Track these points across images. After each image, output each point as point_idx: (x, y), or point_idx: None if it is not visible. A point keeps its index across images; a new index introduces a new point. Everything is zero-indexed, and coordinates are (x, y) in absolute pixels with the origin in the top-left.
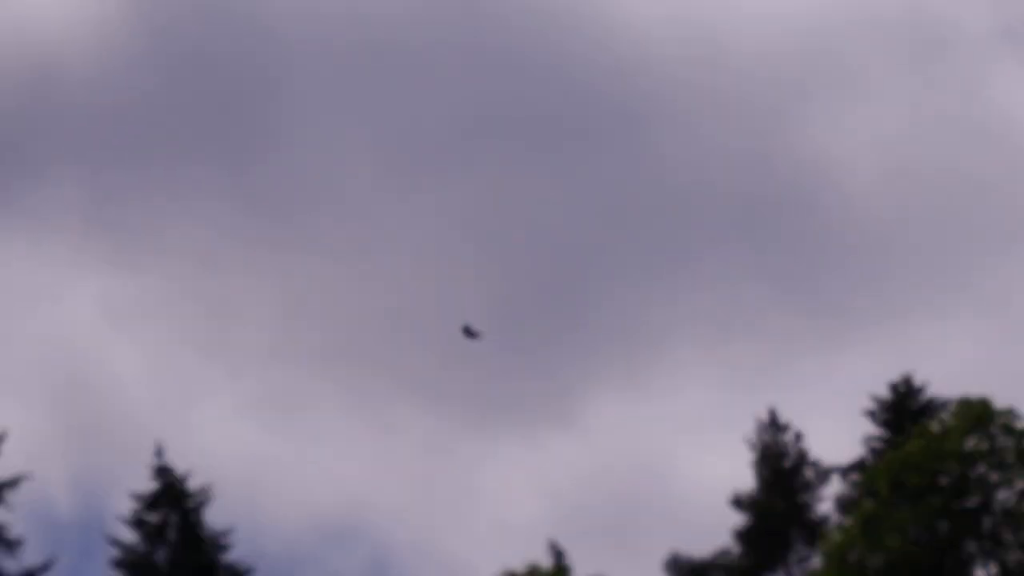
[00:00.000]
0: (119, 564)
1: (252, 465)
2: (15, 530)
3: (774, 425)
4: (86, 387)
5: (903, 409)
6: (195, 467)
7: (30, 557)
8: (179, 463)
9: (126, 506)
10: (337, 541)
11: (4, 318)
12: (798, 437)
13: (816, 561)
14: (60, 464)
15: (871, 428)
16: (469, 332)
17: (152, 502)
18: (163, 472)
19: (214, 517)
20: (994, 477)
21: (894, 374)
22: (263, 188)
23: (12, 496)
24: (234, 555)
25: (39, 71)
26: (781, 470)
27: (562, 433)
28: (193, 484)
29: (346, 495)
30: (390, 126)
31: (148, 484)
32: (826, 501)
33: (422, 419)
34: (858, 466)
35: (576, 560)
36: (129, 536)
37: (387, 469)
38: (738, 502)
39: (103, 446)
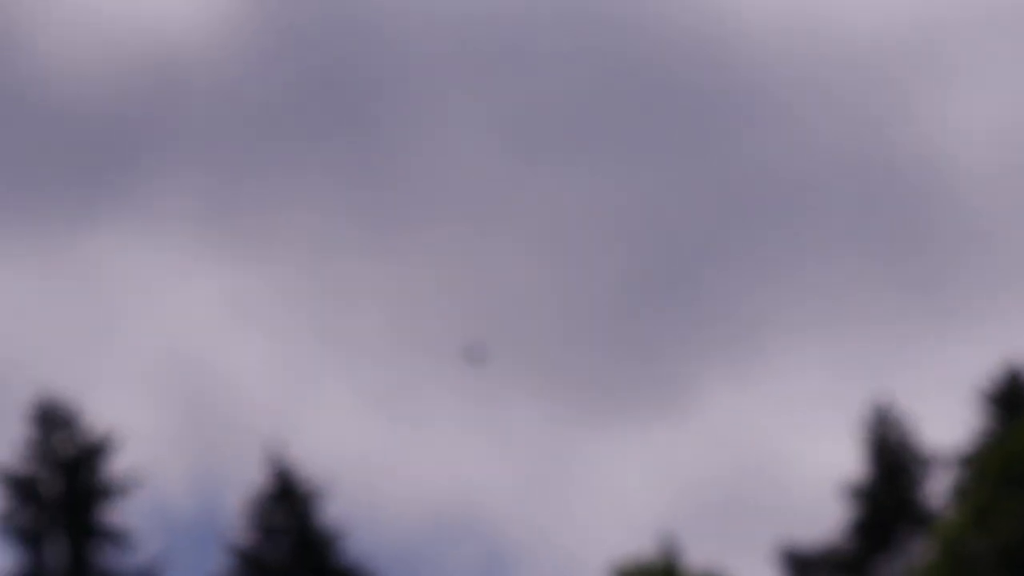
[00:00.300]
0: (234, 563)
1: (369, 458)
2: (132, 529)
3: (884, 412)
4: (205, 381)
5: (1016, 395)
6: (312, 462)
7: (147, 557)
8: (296, 458)
9: (242, 504)
10: (453, 534)
11: (123, 313)
12: (909, 424)
13: (926, 551)
14: (178, 460)
15: (983, 414)
16: (471, 355)
17: (267, 500)
18: (278, 469)
19: (330, 513)
20: None
21: (1006, 360)
22: (382, 175)
23: (129, 495)
24: (350, 551)
25: (160, 66)
26: (891, 458)
27: (675, 423)
28: (309, 481)
29: (461, 488)
30: (507, 114)
31: (264, 481)
32: (937, 489)
33: (536, 411)
34: (970, 453)
35: (688, 551)
36: (244, 535)
37: (502, 462)
38: (848, 491)
39: (222, 442)
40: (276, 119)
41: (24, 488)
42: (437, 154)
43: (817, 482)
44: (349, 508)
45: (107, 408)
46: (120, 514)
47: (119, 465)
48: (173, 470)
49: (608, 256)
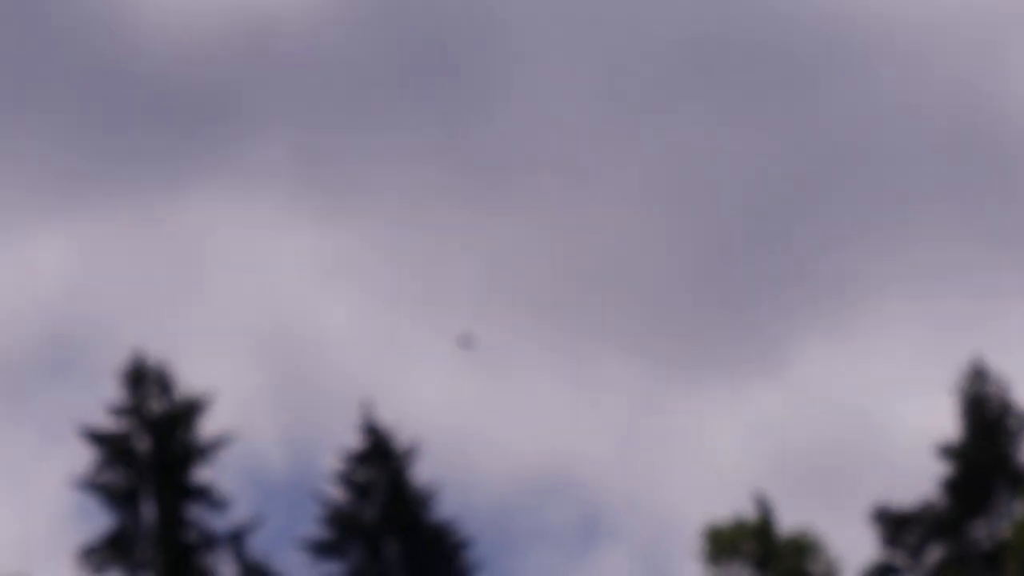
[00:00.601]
0: (326, 522)
1: (460, 420)
2: (224, 489)
3: (980, 374)
4: (297, 344)
5: None
6: (405, 422)
7: (240, 516)
8: (388, 418)
9: (334, 464)
10: (546, 496)
11: (216, 276)
12: (1005, 387)
13: (1021, 511)
14: (271, 421)
15: None
16: (464, 341)
17: (359, 459)
18: (371, 429)
19: (422, 473)
20: None
21: None
22: (470, 142)
23: (221, 455)
24: (442, 512)
25: (251, 30)
26: (987, 419)
27: (768, 382)
28: (401, 441)
29: (554, 448)
30: (604, 68)
31: (356, 441)
32: None
33: (629, 370)
34: None
35: (782, 511)
36: (337, 494)
37: (595, 421)
38: (943, 451)
39: (314, 403)
40: (369, 76)
41: (117, 448)
42: (533, 108)
43: (912, 440)
44: (442, 468)
45: (200, 368)
46: (213, 474)
47: (212, 425)
48: (267, 429)
49: (701, 214)
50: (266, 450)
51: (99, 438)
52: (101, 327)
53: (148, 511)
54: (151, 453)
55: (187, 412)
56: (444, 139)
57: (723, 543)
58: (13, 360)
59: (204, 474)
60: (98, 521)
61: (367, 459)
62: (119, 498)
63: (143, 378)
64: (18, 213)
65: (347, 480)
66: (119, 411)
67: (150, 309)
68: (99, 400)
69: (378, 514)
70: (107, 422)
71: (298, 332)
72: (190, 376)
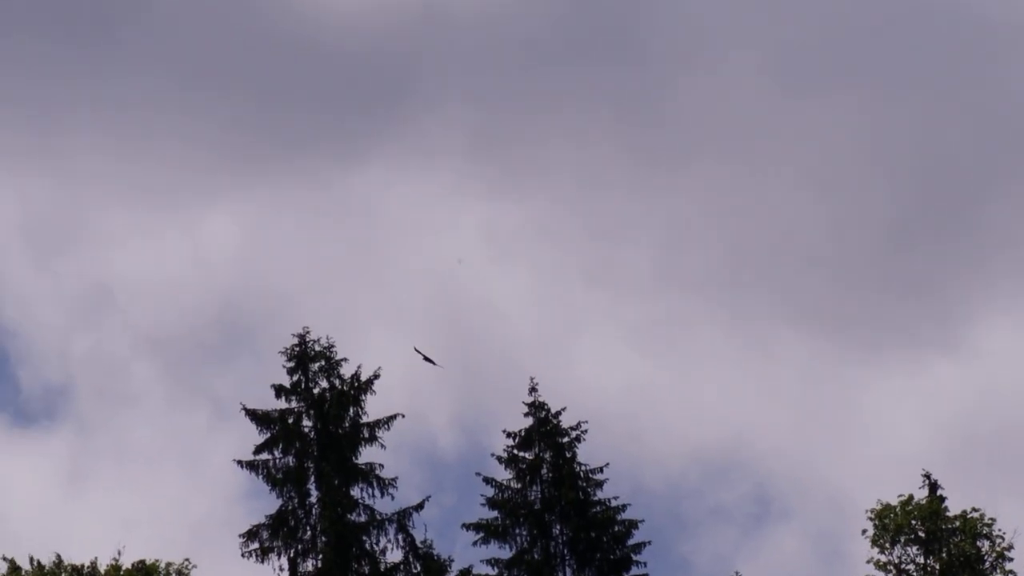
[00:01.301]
0: (493, 502)
1: (633, 399)
2: (392, 469)
3: None
4: (470, 319)
5: None
6: (572, 403)
7: (410, 495)
8: (556, 397)
9: (502, 443)
10: (718, 473)
11: (392, 250)
12: None
13: None
14: (442, 400)
15: None
16: (426, 357)
17: (525, 439)
18: (537, 408)
19: (591, 452)
20: None
21: None
22: (650, 112)
23: (388, 434)
24: (609, 490)
25: (431, 5)
26: None
27: (948, 359)
28: (567, 420)
29: (728, 425)
30: (774, 41)
31: (526, 418)
32: None
33: (804, 345)
34: None
35: (953, 492)
36: (503, 473)
37: (769, 397)
38: None
39: (485, 380)
40: (543, 55)
41: (283, 428)
42: (706, 91)
43: None
44: (613, 447)
45: (372, 344)
46: (379, 453)
47: (379, 404)
48: (437, 408)
49: (879, 191)
50: (436, 429)
51: (264, 418)
52: (275, 305)
53: (314, 491)
54: (317, 433)
55: (353, 391)
56: (619, 120)
57: (893, 523)
58: (189, 339)
59: (370, 453)
60: (265, 501)
61: (532, 439)
62: (284, 478)
63: (309, 358)
64: (196, 193)
65: (512, 460)
66: (285, 391)
67: (323, 286)
68: (269, 379)
69: (543, 494)
70: (275, 402)
71: (471, 306)
72: (361, 353)
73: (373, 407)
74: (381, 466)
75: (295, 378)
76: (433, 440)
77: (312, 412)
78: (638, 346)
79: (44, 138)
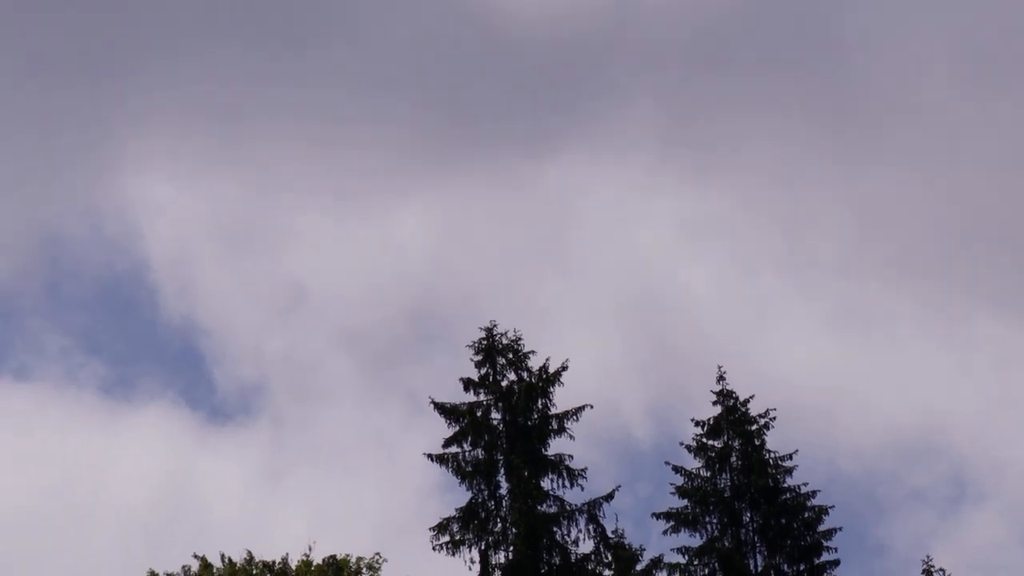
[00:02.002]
0: (683, 491)
1: (826, 381)
2: (581, 459)
3: None
4: (661, 309)
5: None
6: (761, 390)
7: (600, 485)
8: (745, 385)
9: (691, 432)
10: (914, 458)
11: (582, 243)
12: None
13: None
14: (633, 389)
15: None
16: None
17: (714, 428)
18: (725, 397)
19: (782, 439)
20: None
21: None
22: (837, 100)
23: (577, 425)
24: (800, 477)
25: None
26: None
27: None
28: (756, 407)
29: (923, 411)
30: (965, 32)
31: (716, 406)
32: None
33: (999, 327)
34: None
35: None
36: (693, 462)
37: (964, 380)
38: None
39: (675, 369)
40: (733, 47)
41: (471, 421)
42: (898, 84)
43: None
44: (807, 432)
45: (563, 335)
46: (569, 444)
47: (569, 395)
48: (628, 397)
49: None
50: (625, 419)
51: (453, 412)
52: (466, 300)
53: (503, 483)
54: (505, 425)
55: (541, 383)
56: (809, 111)
57: None
58: (381, 335)
59: (559, 445)
60: (456, 494)
61: (722, 428)
62: (474, 471)
63: (497, 351)
64: (388, 193)
65: (702, 449)
66: (473, 384)
67: (514, 280)
68: (459, 374)
69: (732, 483)
70: (464, 396)
71: (663, 296)
72: (550, 346)
73: (562, 399)
74: (570, 457)
75: (483, 371)
76: (622, 430)
77: (500, 405)
78: (830, 332)
79: (239, 144)
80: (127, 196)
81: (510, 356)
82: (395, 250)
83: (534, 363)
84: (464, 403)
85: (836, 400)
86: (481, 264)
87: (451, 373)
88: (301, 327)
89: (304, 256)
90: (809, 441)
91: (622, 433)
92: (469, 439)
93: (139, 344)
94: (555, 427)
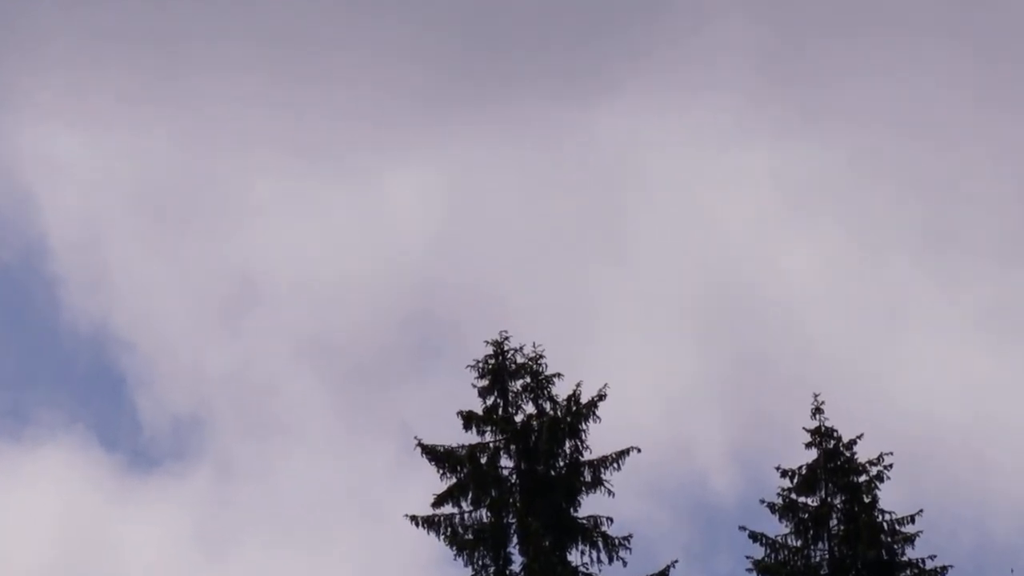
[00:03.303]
0: (763, 567)
1: (976, 410)
2: (623, 523)
3: None
4: (752, 310)
5: None
6: (873, 424)
7: (649, 558)
8: (852, 417)
9: (776, 484)
10: None
11: (637, 216)
12: None
13: None
14: (696, 425)
15: None
16: None
17: (807, 479)
18: (823, 437)
19: (903, 493)
20: None
21: None
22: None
23: (616, 475)
24: (927, 547)
25: None
26: None
27: None
28: (865, 451)
29: None
30: None
31: (812, 450)
32: None
33: None
34: None
35: None
36: (777, 526)
37: None
38: None
39: (757, 394)
40: None
41: (474, 470)
42: None
43: None
44: (941, 482)
45: (598, 350)
46: (610, 501)
47: (608, 433)
48: (685, 435)
49: None
50: (684, 464)
51: (447, 458)
52: (479, 295)
53: (516, 556)
54: (520, 476)
55: (570, 418)
56: (950, 44)
57: None
58: (360, 349)
59: (594, 503)
60: (453, 568)
61: (818, 479)
62: (476, 539)
63: (509, 374)
64: (372, 153)
65: (791, 509)
66: (476, 420)
67: (541, 271)
68: (466, 399)
69: (833, 555)
70: (463, 436)
71: (752, 291)
72: (592, 363)
73: (599, 439)
74: (609, 520)
75: (490, 401)
76: (690, 479)
77: (513, 447)
78: (982, 339)
79: (171, 81)
80: (15, 153)
81: (527, 380)
82: (383, 230)
83: (560, 390)
84: (463, 445)
85: (989, 436)
86: (499, 249)
87: (457, 400)
88: (254, 336)
89: (259, 238)
90: (945, 495)
91: (689, 484)
92: (470, 495)
93: (33, 360)
94: (588, 479)
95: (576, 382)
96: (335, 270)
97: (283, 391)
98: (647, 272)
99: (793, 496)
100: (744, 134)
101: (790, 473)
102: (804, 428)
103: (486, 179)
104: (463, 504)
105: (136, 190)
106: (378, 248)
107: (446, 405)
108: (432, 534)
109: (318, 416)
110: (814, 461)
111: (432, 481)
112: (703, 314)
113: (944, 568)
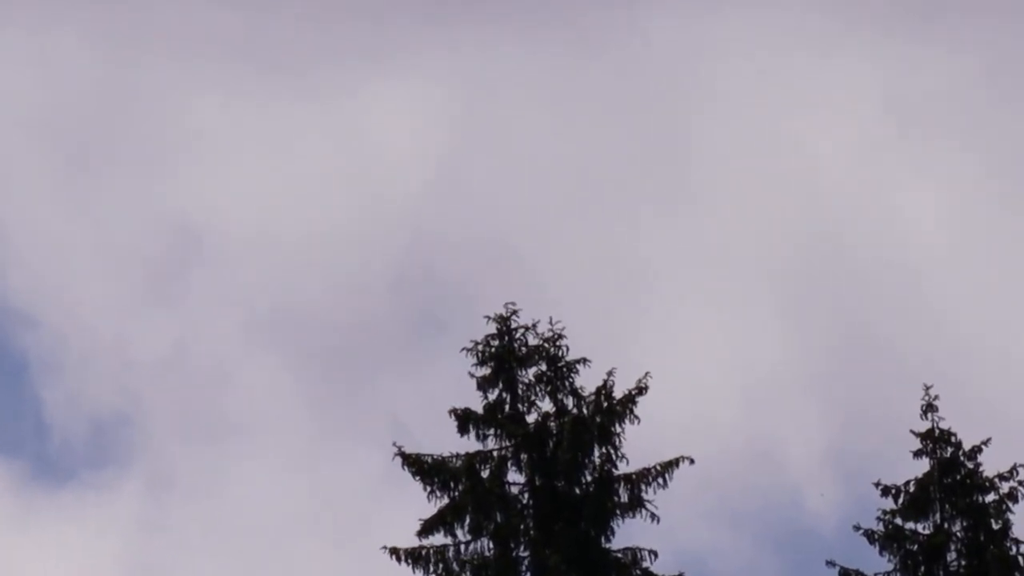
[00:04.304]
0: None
1: None
2: (669, 559)
3: None
4: (856, 271)
5: None
6: (1005, 425)
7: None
8: (976, 416)
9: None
10: None
11: (710, 147)
12: None
13: None
14: (803, 421)
15: None
16: None
17: (916, 498)
18: (936, 443)
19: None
20: None
21: None
22: None
23: (661, 493)
24: None
25: None
26: None
27: None
28: (992, 461)
29: None
30: None
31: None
32: None
33: None
34: None
35: None
36: (879, 561)
37: None
38: None
39: (885, 382)
40: None
41: (478, 485)
42: None
43: None
44: None
45: (657, 322)
46: (651, 528)
47: (649, 436)
48: (784, 434)
49: None
50: (781, 473)
51: (437, 470)
52: (491, 251)
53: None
54: (534, 494)
55: (600, 418)
56: None
57: None
58: (328, 322)
59: (633, 529)
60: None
61: (930, 498)
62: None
63: (517, 359)
64: (347, 62)
65: (895, 538)
66: (474, 419)
67: (578, 215)
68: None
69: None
70: (459, 441)
71: (856, 247)
72: (637, 344)
73: (636, 446)
74: (653, 554)
75: (493, 396)
76: (760, 498)
77: (524, 457)
78: None
79: None
80: None
81: (542, 368)
82: (365, 165)
83: (587, 381)
84: (458, 455)
85: None
86: (519, 192)
87: (463, 389)
88: (196, 309)
89: (200, 178)
90: None
91: (774, 503)
92: (467, 520)
93: None
94: (624, 498)
95: (608, 370)
96: (302, 220)
97: (234, 380)
98: (714, 223)
99: (898, 521)
100: (844, 37)
101: (894, 491)
102: (912, 431)
103: (502, 98)
104: (458, 532)
105: (36, 115)
106: (359, 190)
107: (450, 398)
108: (419, 572)
109: (279, 412)
110: (925, 475)
111: (414, 498)
112: (791, 279)
113: None
